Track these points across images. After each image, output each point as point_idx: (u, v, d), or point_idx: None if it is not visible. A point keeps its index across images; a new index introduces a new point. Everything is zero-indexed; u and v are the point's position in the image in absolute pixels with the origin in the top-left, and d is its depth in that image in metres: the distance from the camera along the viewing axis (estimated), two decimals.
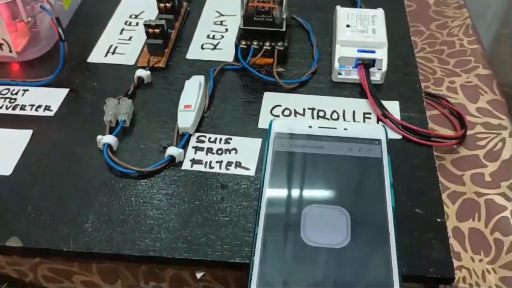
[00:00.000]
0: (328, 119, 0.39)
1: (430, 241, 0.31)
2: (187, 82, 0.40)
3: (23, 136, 0.37)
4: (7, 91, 0.41)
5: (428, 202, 0.33)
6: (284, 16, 0.42)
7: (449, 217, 0.34)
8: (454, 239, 0.33)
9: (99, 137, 0.36)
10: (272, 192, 0.32)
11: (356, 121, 0.39)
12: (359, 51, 0.42)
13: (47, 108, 0.40)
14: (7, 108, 0.40)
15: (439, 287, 0.31)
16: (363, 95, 0.41)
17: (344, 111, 0.40)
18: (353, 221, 0.31)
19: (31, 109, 0.39)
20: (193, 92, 0.39)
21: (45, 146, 0.37)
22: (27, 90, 0.41)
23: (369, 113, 0.39)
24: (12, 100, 0.40)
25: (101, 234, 0.31)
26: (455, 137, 0.40)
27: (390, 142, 0.36)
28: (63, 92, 0.41)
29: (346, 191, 0.33)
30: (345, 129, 0.36)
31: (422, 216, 0.32)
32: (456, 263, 0.31)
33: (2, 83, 0.41)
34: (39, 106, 0.40)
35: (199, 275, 0.32)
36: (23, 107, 0.40)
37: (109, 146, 0.36)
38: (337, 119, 0.39)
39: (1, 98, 0.40)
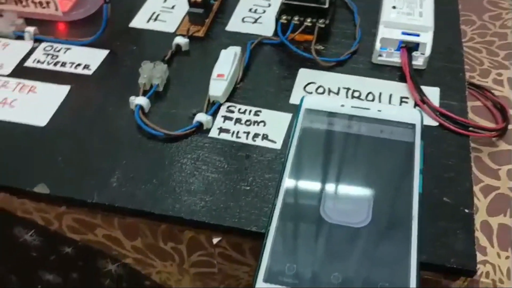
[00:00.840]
0: (363, 100, 0.38)
1: (455, 231, 0.30)
2: (223, 51, 0.40)
3: (61, 91, 0.38)
4: (50, 48, 0.42)
5: (458, 192, 0.32)
6: None
7: (478, 210, 0.33)
8: (481, 233, 0.31)
9: (132, 98, 0.37)
10: (295, 166, 0.32)
11: (392, 105, 0.38)
12: (403, 33, 0.40)
13: (86, 67, 0.41)
14: (48, 63, 0.41)
15: (459, 281, 0.30)
16: (402, 79, 0.39)
17: (380, 93, 0.38)
18: (375, 203, 0.30)
19: (71, 67, 0.40)
20: (227, 62, 0.39)
21: (80, 102, 0.38)
22: (69, 48, 0.42)
23: (407, 98, 0.38)
24: (54, 57, 0.41)
25: (124, 190, 0.32)
26: (494, 129, 0.38)
27: (425, 128, 0.35)
28: (103, 53, 0.42)
29: (372, 172, 0.32)
30: (379, 110, 0.35)
31: (450, 205, 0.31)
32: (480, 257, 0.30)
33: (46, 40, 0.43)
34: (79, 65, 0.41)
35: (215, 240, 0.32)
36: (63, 64, 0.41)
37: (141, 107, 0.37)
38: (372, 100, 0.38)
39: (44, 54, 0.42)
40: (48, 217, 0.35)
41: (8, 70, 0.40)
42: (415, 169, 0.32)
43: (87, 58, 0.41)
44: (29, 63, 0.41)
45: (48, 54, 0.42)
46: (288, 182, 0.31)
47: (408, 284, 0.27)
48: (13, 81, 0.39)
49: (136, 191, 0.32)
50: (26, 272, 0.43)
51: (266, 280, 0.27)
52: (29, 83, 0.39)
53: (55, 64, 0.41)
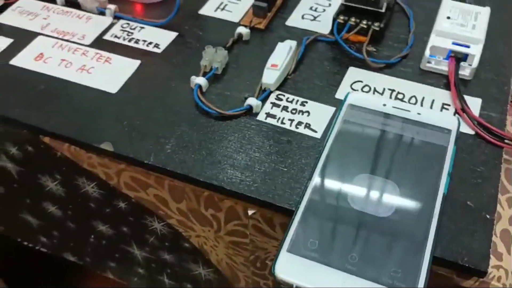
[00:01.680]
0: (405, 102, 0.40)
1: (472, 233, 0.32)
2: (279, 44, 0.43)
3: (132, 64, 0.43)
4: (127, 25, 0.47)
5: (482, 198, 0.33)
6: None
7: (501, 218, 0.34)
8: (500, 240, 0.33)
9: (193, 77, 0.41)
10: (331, 154, 0.35)
11: (432, 109, 0.40)
12: (453, 43, 0.42)
13: (156, 45, 0.45)
14: (124, 39, 0.46)
15: (471, 280, 0.32)
16: (447, 87, 0.41)
17: (423, 98, 0.40)
18: (400, 197, 0.33)
19: (143, 44, 0.45)
20: (282, 53, 0.42)
21: (147, 75, 0.43)
22: (143, 27, 0.47)
23: (448, 105, 0.40)
24: (130, 34, 0.46)
25: (177, 156, 0.36)
26: None
27: (461, 135, 0.37)
28: (172, 35, 0.46)
29: (402, 168, 0.34)
30: (419, 113, 0.37)
31: (472, 209, 0.33)
32: (495, 261, 0.32)
33: (124, 18, 0.48)
34: (150, 43, 0.45)
35: (250, 212, 0.36)
36: (137, 41, 0.45)
37: (200, 87, 0.41)
38: (414, 104, 0.40)
39: (121, 30, 0.47)
40: (109, 172, 0.39)
41: (89, 41, 0.46)
42: (444, 171, 0.34)
43: (158, 38, 0.46)
44: (107, 36, 0.46)
45: (124, 31, 0.47)
46: (322, 168, 0.34)
47: (418, 275, 0.29)
48: (92, 51, 0.44)
49: (187, 159, 0.36)
50: (83, 221, 0.48)
51: (289, 250, 0.30)
52: (105, 54, 0.44)
53: (130, 40, 0.46)
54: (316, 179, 0.34)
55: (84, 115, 0.39)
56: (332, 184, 0.34)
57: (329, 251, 0.30)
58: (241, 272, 0.43)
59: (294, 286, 0.29)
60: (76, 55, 0.44)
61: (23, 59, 0.44)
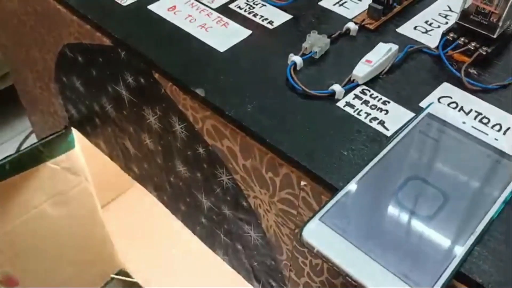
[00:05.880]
0: (487, 127, 0.39)
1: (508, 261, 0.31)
2: (381, 43, 0.45)
3: (244, 32, 0.48)
4: (252, 1, 0.52)
5: None
6: (500, 24, 0.42)
7: None
8: None
9: (291, 54, 0.45)
10: (393, 151, 0.36)
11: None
12: None
13: (270, 22, 0.50)
14: (245, 11, 0.51)
15: None
16: None
17: (508, 128, 0.39)
18: (447, 207, 0.33)
19: (259, 18, 0.50)
20: (380, 52, 0.44)
21: (253, 45, 0.47)
22: (265, 5, 0.52)
23: None
24: (251, 8, 0.51)
25: (255, 116, 0.40)
26: None
27: None
28: (287, 16, 0.50)
29: (460, 183, 0.35)
30: (496, 139, 0.37)
31: None
32: None
33: None
34: (266, 19, 0.50)
35: (303, 183, 0.38)
36: (255, 15, 0.50)
37: (295, 64, 0.44)
38: (497, 132, 0.39)
39: (246, 3, 0.52)
40: (197, 116, 0.45)
41: (216, 5, 0.52)
42: (500, 198, 0.33)
43: (274, 16, 0.50)
44: (232, 6, 0.52)
45: (248, 4, 0.52)
46: (379, 160, 0.36)
47: (437, 279, 0.29)
48: (215, 14, 0.50)
49: (262, 120, 0.40)
50: (168, 158, 0.54)
51: (320, 219, 0.33)
52: (225, 19, 0.50)
53: (249, 13, 0.51)
54: (370, 168, 0.35)
55: (191, 63, 0.45)
56: (383, 176, 0.35)
57: (358, 231, 0.32)
58: (285, 245, 0.46)
59: (315, 250, 0.32)
60: (202, 14, 0.50)
61: (159, 7, 0.51)
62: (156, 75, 0.46)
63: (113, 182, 0.99)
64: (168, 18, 0.50)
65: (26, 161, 0.72)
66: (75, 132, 0.74)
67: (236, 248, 0.54)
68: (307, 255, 0.44)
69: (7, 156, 0.70)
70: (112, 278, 1.01)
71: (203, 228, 0.58)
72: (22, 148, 0.86)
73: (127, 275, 1.02)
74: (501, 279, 0.30)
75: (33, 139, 1.23)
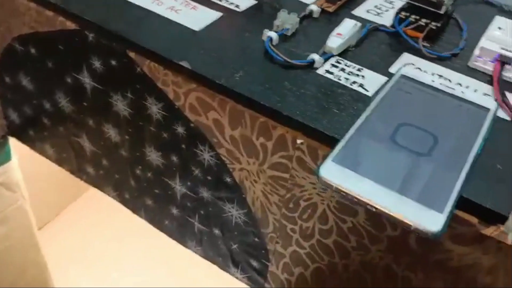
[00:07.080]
0: (451, 85, 0.44)
1: (499, 189, 0.35)
2: (346, 19, 0.48)
3: (214, 14, 0.50)
4: None
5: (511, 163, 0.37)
6: (445, 1, 0.48)
7: None
8: None
9: (265, 30, 0.47)
10: (381, 103, 0.39)
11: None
12: (501, 48, 0.47)
13: (237, 6, 0.52)
14: None
15: (491, 229, 0.35)
16: (490, 83, 0.45)
17: (468, 86, 0.45)
18: (439, 145, 0.36)
19: (225, 3, 0.52)
20: (348, 27, 0.47)
21: (227, 24, 0.49)
22: None
23: (489, 95, 0.44)
24: None
25: (244, 83, 0.41)
26: None
27: (498, 120, 0.40)
28: (252, 2, 0.53)
29: (442, 126, 0.38)
30: (462, 92, 0.42)
31: (501, 171, 0.36)
32: None
33: None
34: (232, 3, 0.52)
35: (299, 141, 0.40)
36: None
37: (271, 39, 0.46)
38: (461, 87, 0.44)
39: None
40: (179, 92, 0.45)
41: None
42: (480, 135, 0.38)
43: (239, 1, 0.52)
44: None
45: None
46: (372, 110, 0.38)
47: (446, 201, 0.32)
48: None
49: (252, 87, 0.41)
50: (136, 148, 0.53)
51: (333, 160, 0.34)
52: (193, 3, 0.51)
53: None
54: (365, 117, 0.38)
55: (169, 40, 0.45)
56: (378, 123, 0.38)
57: (368, 167, 0.35)
58: (272, 214, 0.47)
59: (334, 188, 0.33)
60: None
61: None
62: (132, 54, 0.45)
63: (51, 200, 0.92)
64: (134, 2, 0.50)
65: None
66: (12, 142, 0.69)
67: (213, 234, 0.53)
68: (297, 219, 0.45)
69: None
70: None
71: (172, 220, 0.57)
72: None
73: None
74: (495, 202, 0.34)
75: None
